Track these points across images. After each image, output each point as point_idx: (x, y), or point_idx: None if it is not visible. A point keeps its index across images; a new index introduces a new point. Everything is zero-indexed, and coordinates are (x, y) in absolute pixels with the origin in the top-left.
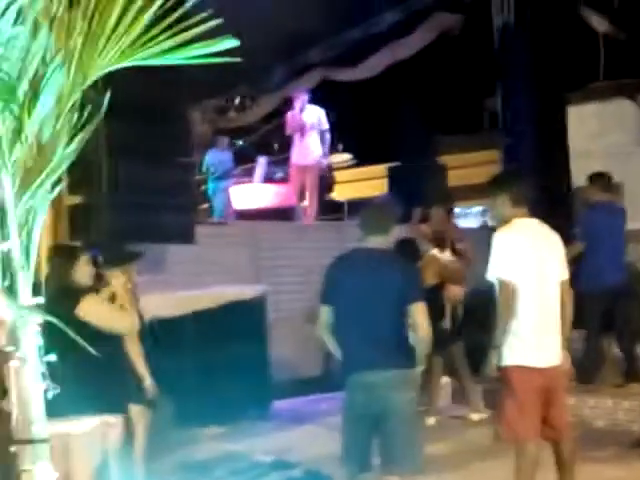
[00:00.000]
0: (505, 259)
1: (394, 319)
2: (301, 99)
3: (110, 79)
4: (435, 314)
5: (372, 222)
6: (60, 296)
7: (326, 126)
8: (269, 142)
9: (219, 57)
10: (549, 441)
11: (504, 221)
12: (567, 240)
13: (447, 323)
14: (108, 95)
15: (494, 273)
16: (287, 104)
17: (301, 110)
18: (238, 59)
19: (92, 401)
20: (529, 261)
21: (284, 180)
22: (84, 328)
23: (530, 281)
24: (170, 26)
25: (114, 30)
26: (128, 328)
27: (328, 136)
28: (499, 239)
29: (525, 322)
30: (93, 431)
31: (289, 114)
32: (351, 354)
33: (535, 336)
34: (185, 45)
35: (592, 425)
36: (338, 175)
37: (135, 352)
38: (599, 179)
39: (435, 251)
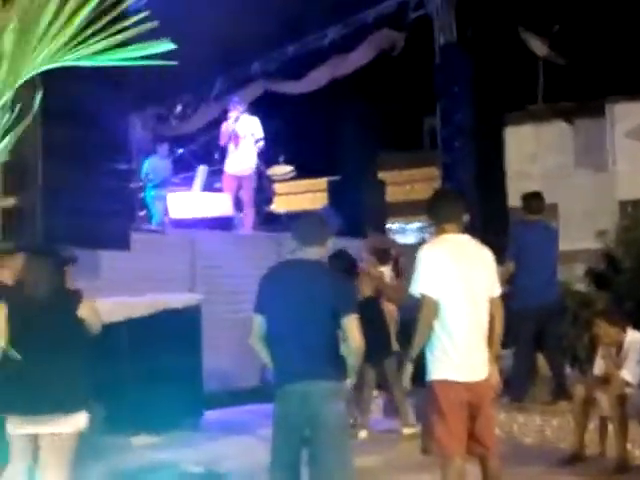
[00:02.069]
0: (427, 274)
1: (326, 330)
2: (236, 109)
3: (48, 81)
4: (369, 326)
5: (307, 233)
6: None
7: (260, 135)
8: (209, 151)
9: (154, 60)
10: (476, 456)
11: (436, 236)
12: (501, 257)
13: (381, 335)
14: (42, 96)
15: (416, 288)
16: (227, 114)
17: (235, 120)
18: (173, 62)
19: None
20: (454, 276)
21: (222, 189)
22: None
23: (455, 296)
24: (105, 28)
25: (47, 30)
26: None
27: (262, 144)
28: (422, 254)
29: (451, 337)
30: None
31: (223, 125)
32: (282, 364)
33: (461, 351)
34: (120, 47)
35: (521, 442)
36: (278, 187)
37: None
38: (533, 199)
39: (373, 264)
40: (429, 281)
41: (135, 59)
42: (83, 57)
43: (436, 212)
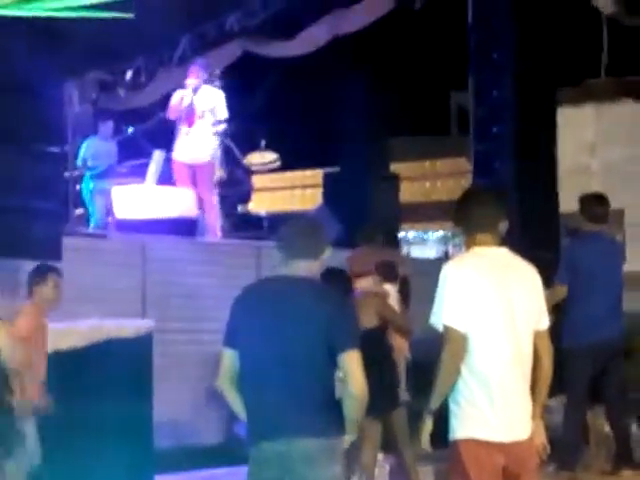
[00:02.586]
0: (453, 300)
1: (318, 371)
2: (197, 76)
3: None
4: (373, 368)
5: (297, 242)
6: None
7: (223, 114)
8: (168, 132)
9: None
10: None
11: (465, 249)
12: (549, 279)
13: (388, 379)
14: None
15: (439, 318)
16: (185, 80)
17: (194, 91)
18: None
19: None
20: (488, 303)
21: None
22: None
23: (490, 330)
24: None
25: None
26: None
27: (223, 127)
28: (447, 272)
29: (482, 383)
30: None
31: (175, 94)
32: (258, 415)
33: (496, 402)
34: None
35: None
36: (258, 180)
37: None
38: (593, 203)
39: (378, 284)
40: (456, 309)
41: (76, 9)
42: (9, 4)
43: (466, 217)
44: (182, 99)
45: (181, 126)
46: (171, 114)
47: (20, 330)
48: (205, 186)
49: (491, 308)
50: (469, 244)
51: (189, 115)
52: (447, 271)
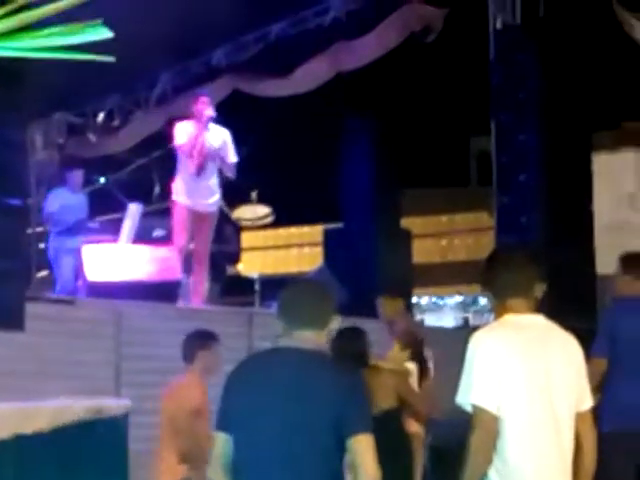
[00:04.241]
0: (483, 376)
1: (325, 457)
2: (207, 105)
3: None
4: (387, 456)
5: (299, 310)
6: None
7: (234, 158)
8: (146, 182)
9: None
10: None
11: (495, 317)
12: (586, 352)
13: (402, 470)
14: None
15: (467, 397)
16: (197, 105)
17: (205, 125)
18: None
19: None
20: (523, 380)
21: (165, 240)
22: None
23: (525, 411)
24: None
25: None
26: None
27: (233, 175)
28: (476, 343)
29: (517, 473)
30: None
31: (183, 125)
32: None
33: None
34: (29, 31)
35: None
36: (249, 238)
37: None
38: (634, 264)
39: (401, 358)
40: (486, 387)
41: (49, 50)
42: None
43: (496, 280)
44: (195, 135)
45: (187, 165)
46: (182, 146)
47: (196, 402)
48: (207, 239)
49: (527, 387)
50: (500, 311)
51: (201, 153)
52: (476, 342)
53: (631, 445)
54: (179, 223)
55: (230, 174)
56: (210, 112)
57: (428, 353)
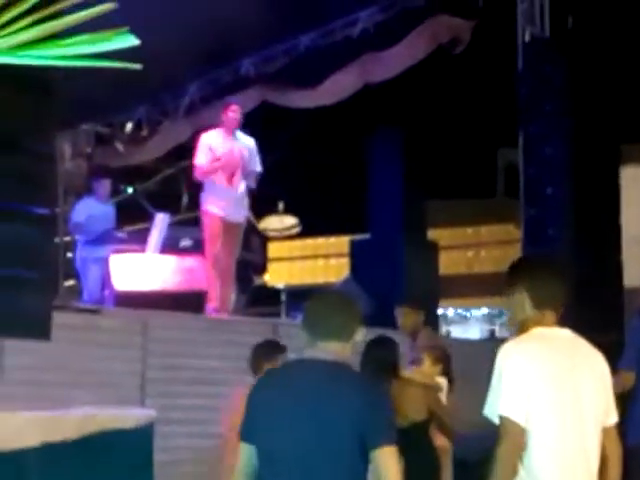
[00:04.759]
0: (513, 388)
1: (348, 471)
2: (238, 114)
3: None
4: (414, 469)
5: (324, 321)
6: None
7: (259, 168)
8: (173, 192)
9: (104, 60)
10: None
11: (522, 330)
12: (613, 365)
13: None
14: None
15: (495, 408)
16: (227, 112)
17: (234, 134)
18: (136, 65)
19: None
20: (549, 393)
21: (193, 250)
22: None
23: (550, 424)
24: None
25: None
26: None
27: (254, 183)
28: (505, 355)
29: None
30: None
31: (210, 135)
32: None
33: None
34: (57, 39)
35: None
36: (275, 248)
37: None
38: None
39: (432, 372)
40: (515, 399)
41: (76, 58)
42: (1, 51)
43: (540, 289)
44: (231, 150)
45: (217, 175)
46: (209, 161)
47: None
48: (235, 250)
49: (555, 400)
50: (529, 322)
51: (232, 161)
52: (505, 355)
53: None
54: (212, 233)
55: (252, 184)
56: (234, 118)
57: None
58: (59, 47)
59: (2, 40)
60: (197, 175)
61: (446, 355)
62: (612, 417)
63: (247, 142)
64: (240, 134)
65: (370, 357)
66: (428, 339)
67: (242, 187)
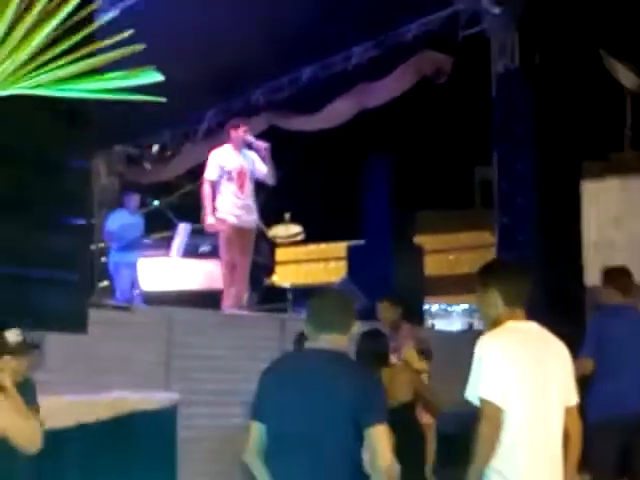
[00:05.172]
0: (491, 374)
1: (345, 446)
2: (245, 132)
3: None
4: (402, 445)
5: (325, 316)
6: None
7: (264, 167)
8: (193, 205)
9: (134, 93)
10: None
11: (494, 324)
12: (575, 354)
13: (416, 457)
14: None
15: (475, 392)
16: (237, 130)
17: (241, 149)
18: (160, 98)
19: None
20: (522, 378)
21: (210, 255)
22: None
23: (522, 405)
24: (73, 49)
25: None
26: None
27: (271, 180)
28: (484, 346)
29: (513, 459)
30: None
31: (221, 151)
32: None
33: (526, 478)
34: (93, 75)
35: None
36: (282, 253)
37: None
38: (614, 276)
39: (416, 358)
40: (493, 383)
41: (109, 92)
42: (44, 84)
43: (511, 288)
44: (236, 159)
45: (229, 185)
46: (213, 173)
47: None
48: (249, 253)
49: (527, 384)
50: (501, 317)
51: (242, 172)
52: (484, 345)
53: (614, 431)
54: (227, 239)
55: (270, 182)
56: (248, 138)
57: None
58: (95, 82)
59: (46, 75)
60: (204, 189)
61: (426, 348)
62: (573, 398)
63: (250, 155)
64: (247, 151)
65: (364, 347)
66: (411, 331)
67: (252, 196)
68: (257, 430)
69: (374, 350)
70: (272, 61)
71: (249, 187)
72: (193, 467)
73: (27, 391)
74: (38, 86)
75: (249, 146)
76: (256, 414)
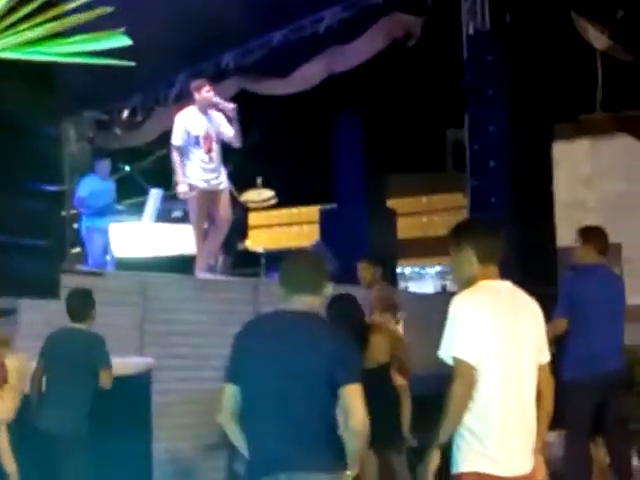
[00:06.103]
0: (465, 333)
1: (319, 405)
2: (210, 94)
3: None
4: (377, 403)
5: (297, 277)
6: None
7: (230, 131)
8: (165, 170)
9: (103, 57)
10: None
11: (467, 283)
12: (547, 313)
13: (392, 416)
14: None
15: (449, 351)
16: (200, 90)
17: (206, 111)
18: (129, 62)
19: None
20: (495, 336)
21: (183, 220)
22: None
23: (496, 363)
24: (39, 12)
25: None
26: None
27: (237, 142)
28: (458, 305)
29: (486, 417)
30: None
31: (185, 113)
32: (259, 449)
33: (499, 436)
34: (59, 38)
35: None
36: (255, 217)
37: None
38: (591, 236)
39: (388, 320)
40: (467, 342)
41: (75, 55)
42: (9, 48)
43: (483, 245)
44: (199, 117)
45: (196, 151)
46: (187, 134)
47: None
48: (227, 209)
49: (501, 342)
50: (475, 276)
51: (208, 135)
52: (458, 304)
53: (589, 388)
54: (198, 205)
55: (236, 143)
56: (213, 99)
57: (402, 316)
58: (61, 45)
59: (10, 38)
60: (173, 156)
61: (390, 305)
62: (545, 356)
63: (216, 117)
64: (213, 112)
65: (334, 310)
66: (379, 291)
67: (219, 157)
68: (231, 391)
69: (344, 312)
70: (243, 24)
71: (216, 150)
72: (167, 431)
73: None
74: (3, 49)
75: (216, 107)
76: (230, 376)
